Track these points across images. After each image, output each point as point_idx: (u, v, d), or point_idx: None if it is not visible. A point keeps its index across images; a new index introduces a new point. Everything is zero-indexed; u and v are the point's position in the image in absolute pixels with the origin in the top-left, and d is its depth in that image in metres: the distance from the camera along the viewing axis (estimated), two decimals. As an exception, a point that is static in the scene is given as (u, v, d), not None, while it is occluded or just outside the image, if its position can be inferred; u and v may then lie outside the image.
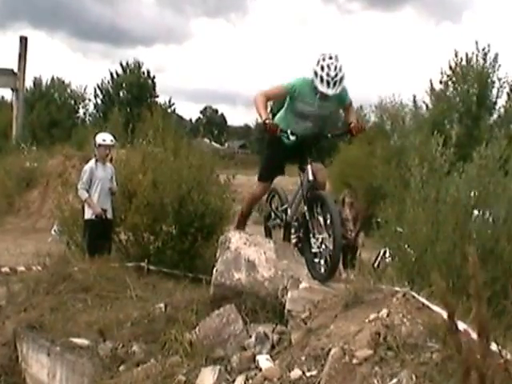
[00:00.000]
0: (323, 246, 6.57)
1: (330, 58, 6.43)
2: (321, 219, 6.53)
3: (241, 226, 8.07)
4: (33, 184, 25.76)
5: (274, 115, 7.51)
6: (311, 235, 6.74)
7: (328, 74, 6.37)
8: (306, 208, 6.88)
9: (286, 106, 6.94)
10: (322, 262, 6.53)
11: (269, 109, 7.08)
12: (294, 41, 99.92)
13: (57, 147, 27.91)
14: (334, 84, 6.41)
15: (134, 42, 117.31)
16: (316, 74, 6.42)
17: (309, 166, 6.75)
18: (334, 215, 6.32)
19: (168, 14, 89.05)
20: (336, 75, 6.40)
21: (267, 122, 6.46)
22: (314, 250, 6.73)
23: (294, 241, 7.42)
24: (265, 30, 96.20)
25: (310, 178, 6.61)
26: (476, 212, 7.89)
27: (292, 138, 6.66)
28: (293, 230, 7.37)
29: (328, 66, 6.37)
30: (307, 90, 6.59)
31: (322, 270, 6.56)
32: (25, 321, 8.68)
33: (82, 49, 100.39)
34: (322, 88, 6.38)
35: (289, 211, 7.17)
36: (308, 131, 7.06)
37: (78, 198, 11.61)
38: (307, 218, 6.84)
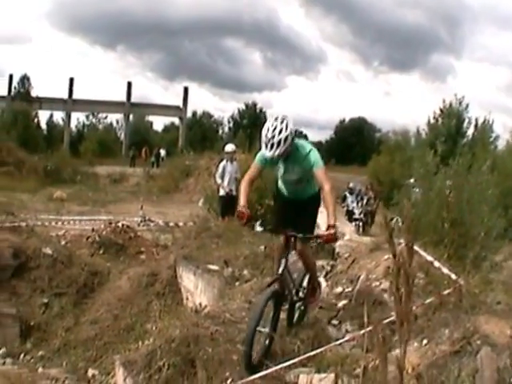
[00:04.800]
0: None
1: (276, 119, 4.29)
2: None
3: None
4: (190, 174, 26.33)
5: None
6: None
7: (266, 136, 4.23)
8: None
9: None
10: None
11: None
12: (346, 90, 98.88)
13: (205, 152, 28.38)
14: (272, 146, 4.21)
15: (251, 90, 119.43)
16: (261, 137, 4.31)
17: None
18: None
19: (272, 72, 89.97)
20: (273, 137, 4.20)
21: (239, 209, 4.41)
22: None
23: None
24: (330, 83, 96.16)
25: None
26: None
27: (259, 228, 4.79)
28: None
29: (268, 129, 4.25)
30: None
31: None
32: (181, 254, 8.99)
33: (219, 94, 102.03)
34: (264, 151, 4.29)
35: (295, 293, 4.95)
36: (292, 193, 4.84)
37: (215, 183, 11.92)
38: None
